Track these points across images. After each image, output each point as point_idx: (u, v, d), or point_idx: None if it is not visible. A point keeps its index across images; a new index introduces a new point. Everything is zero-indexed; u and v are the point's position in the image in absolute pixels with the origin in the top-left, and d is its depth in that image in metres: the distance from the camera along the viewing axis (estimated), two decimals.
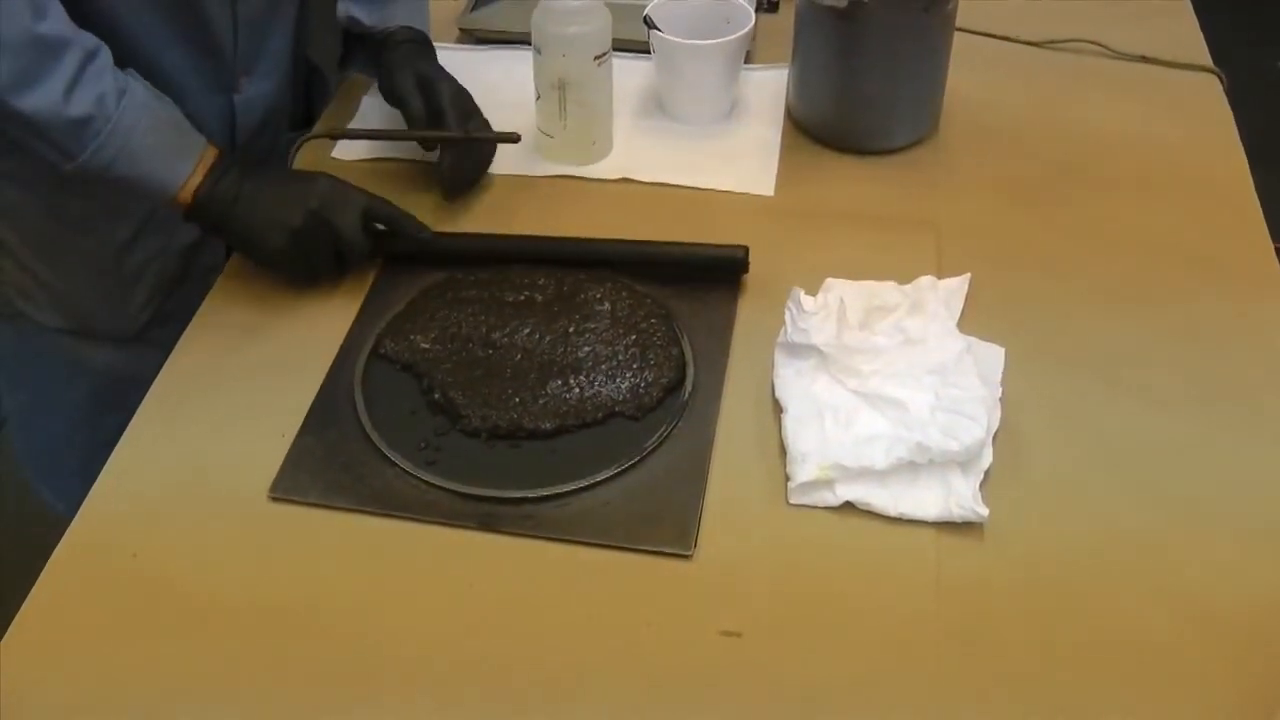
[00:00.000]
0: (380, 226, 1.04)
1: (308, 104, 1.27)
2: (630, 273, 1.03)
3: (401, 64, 1.13)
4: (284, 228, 0.98)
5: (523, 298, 1.00)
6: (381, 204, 1.04)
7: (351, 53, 1.21)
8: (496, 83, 1.27)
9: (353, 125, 1.22)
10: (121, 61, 0.95)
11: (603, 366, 0.94)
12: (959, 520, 0.84)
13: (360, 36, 1.18)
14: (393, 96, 1.12)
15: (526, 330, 0.97)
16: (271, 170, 1.06)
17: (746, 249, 1.02)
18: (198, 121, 1.01)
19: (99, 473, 0.90)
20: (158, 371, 0.97)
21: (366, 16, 1.16)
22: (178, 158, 0.97)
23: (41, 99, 0.88)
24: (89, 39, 0.92)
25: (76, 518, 0.87)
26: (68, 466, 1.08)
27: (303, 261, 1.01)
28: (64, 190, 1.02)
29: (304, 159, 1.17)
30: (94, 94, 0.90)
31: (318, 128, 1.22)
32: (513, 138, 1.12)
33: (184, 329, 1.01)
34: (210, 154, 0.99)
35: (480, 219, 1.11)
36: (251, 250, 1.02)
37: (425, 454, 0.89)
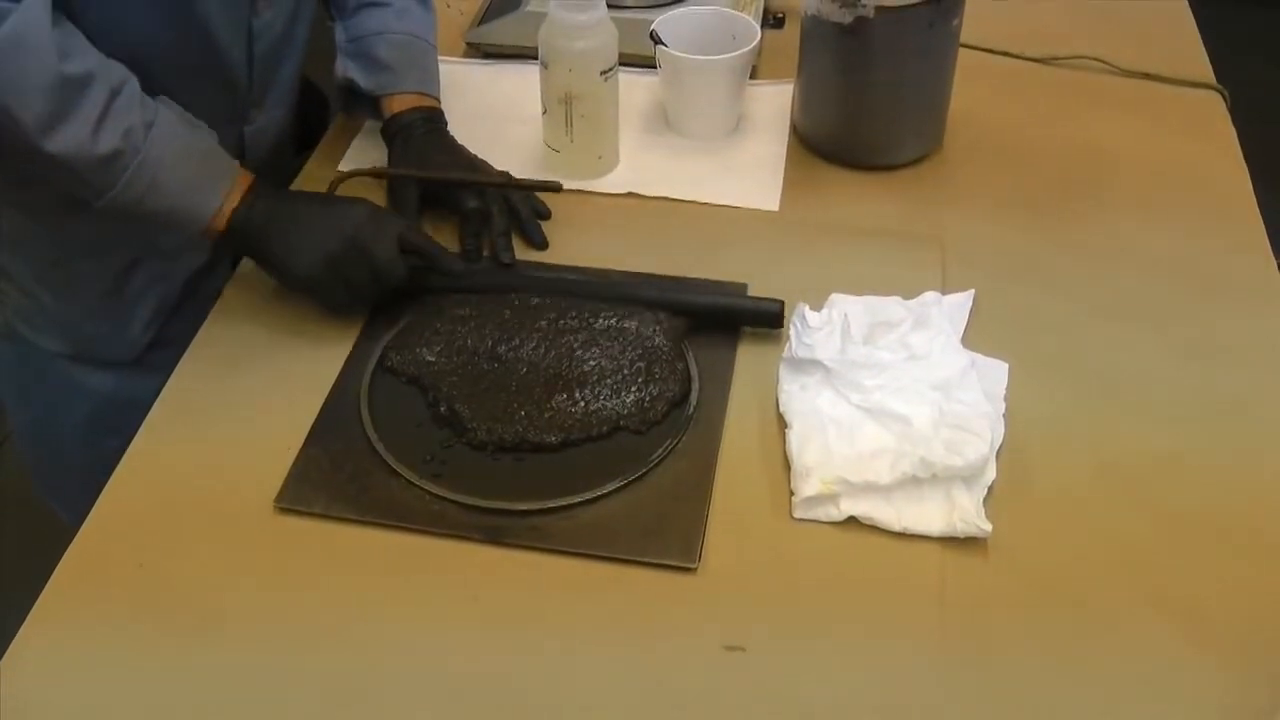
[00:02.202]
0: (412, 257, 1.02)
1: (304, 122, 1.25)
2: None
3: (406, 156, 1.11)
4: (320, 252, 0.97)
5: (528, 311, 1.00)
6: (417, 234, 1.02)
7: (351, 107, 1.19)
8: (503, 97, 1.28)
9: (356, 143, 1.22)
10: None
11: (608, 380, 0.94)
12: (963, 535, 0.84)
13: (359, 94, 1.16)
14: (400, 189, 1.10)
15: (532, 344, 0.97)
16: (309, 195, 1.05)
17: (782, 304, 0.98)
18: None
19: (102, 488, 0.90)
20: (156, 395, 0.96)
21: (364, 81, 1.14)
22: (209, 187, 0.96)
23: (70, 138, 0.87)
24: (116, 71, 0.90)
25: (83, 527, 0.87)
26: (72, 483, 1.07)
27: (339, 287, 0.99)
28: (73, 218, 1.01)
29: (304, 176, 1.18)
30: (122, 128, 0.89)
31: (340, 160, 1.20)
32: (554, 186, 1.10)
33: (181, 353, 1.00)
34: (244, 179, 0.98)
35: None
36: (286, 275, 1.00)
37: (431, 466, 0.89)
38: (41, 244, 1.07)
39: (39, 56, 0.85)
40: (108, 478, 0.90)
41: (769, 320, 0.99)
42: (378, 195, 1.09)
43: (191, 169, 0.95)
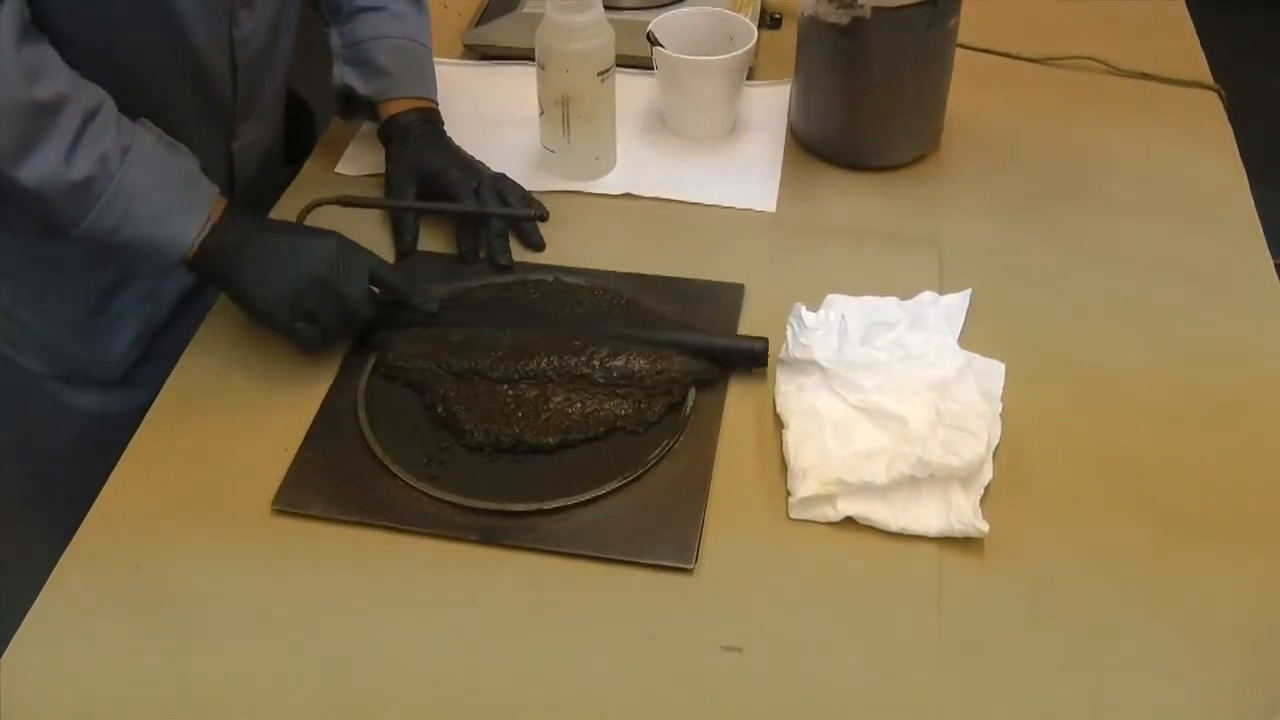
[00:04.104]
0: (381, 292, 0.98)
1: (289, 133, 1.23)
2: (631, 286, 1.03)
3: (403, 157, 1.10)
4: (286, 289, 0.93)
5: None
6: (389, 271, 0.98)
7: (348, 111, 1.18)
8: (500, 98, 1.28)
9: (352, 146, 1.22)
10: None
11: (605, 382, 0.94)
12: (960, 535, 0.84)
13: (357, 99, 1.15)
14: (398, 189, 1.10)
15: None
16: (280, 226, 1.02)
17: (766, 341, 0.95)
18: None
19: (89, 508, 0.88)
20: (144, 413, 0.95)
21: (362, 86, 1.14)
22: (184, 219, 0.92)
23: (41, 165, 0.85)
24: (91, 94, 0.88)
25: (80, 529, 0.87)
26: (60, 500, 1.05)
27: (304, 323, 0.94)
28: (53, 239, 0.98)
29: (302, 177, 1.18)
30: (95, 154, 0.87)
31: (337, 163, 1.20)
32: (539, 215, 1.07)
33: (169, 368, 0.98)
34: (220, 206, 0.95)
35: None
36: (251, 308, 0.96)
37: (428, 468, 0.89)
38: (21, 264, 1.06)
39: (6, 80, 0.82)
40: (92, 500, 0.89)
41: (753, 360, 0.96)
42: (348, 222, 1.04)
43: (167, 198, 0.92)
